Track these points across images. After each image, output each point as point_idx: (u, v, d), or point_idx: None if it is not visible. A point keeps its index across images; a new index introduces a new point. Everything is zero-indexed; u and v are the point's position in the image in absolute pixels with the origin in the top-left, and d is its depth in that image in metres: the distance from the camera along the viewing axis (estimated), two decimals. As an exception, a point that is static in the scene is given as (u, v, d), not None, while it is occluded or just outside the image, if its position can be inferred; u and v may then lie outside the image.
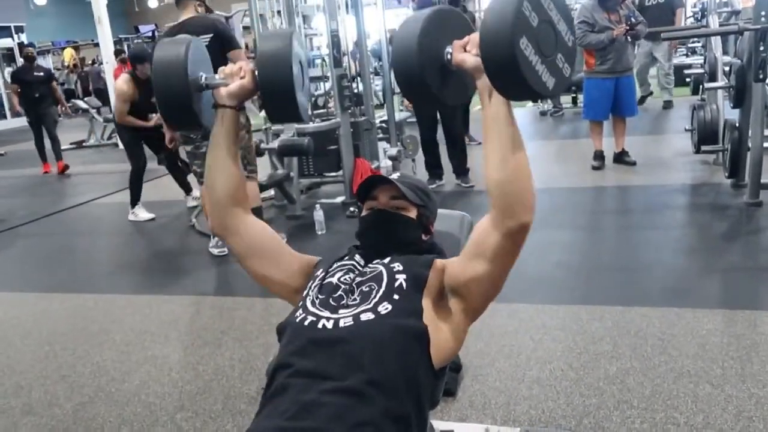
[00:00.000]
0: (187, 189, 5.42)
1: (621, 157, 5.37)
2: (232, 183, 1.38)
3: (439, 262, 1.33)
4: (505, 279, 1.24)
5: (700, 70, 6.02)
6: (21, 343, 3.04)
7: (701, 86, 6.84)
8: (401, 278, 1.27)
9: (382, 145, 5.26)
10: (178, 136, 4.24)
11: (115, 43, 9.65)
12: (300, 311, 1.28)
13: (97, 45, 11.68)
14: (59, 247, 4.89)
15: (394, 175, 1.48)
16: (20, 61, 12.37)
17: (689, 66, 7.86)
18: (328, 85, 5.56)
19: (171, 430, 2.19)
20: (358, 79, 5.26)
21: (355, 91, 4.95)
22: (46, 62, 16.73)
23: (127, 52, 9.45)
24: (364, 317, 1.21)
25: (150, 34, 16.66)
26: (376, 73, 8.17)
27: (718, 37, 4.92)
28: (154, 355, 2.77)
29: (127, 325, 3.13)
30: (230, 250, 1.45)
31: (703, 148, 4.64)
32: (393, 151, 5.02)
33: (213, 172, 1.38)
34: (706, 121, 4.58)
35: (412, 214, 1.43)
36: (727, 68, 4.61)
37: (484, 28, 1.03)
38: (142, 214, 5.16)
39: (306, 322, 1.24)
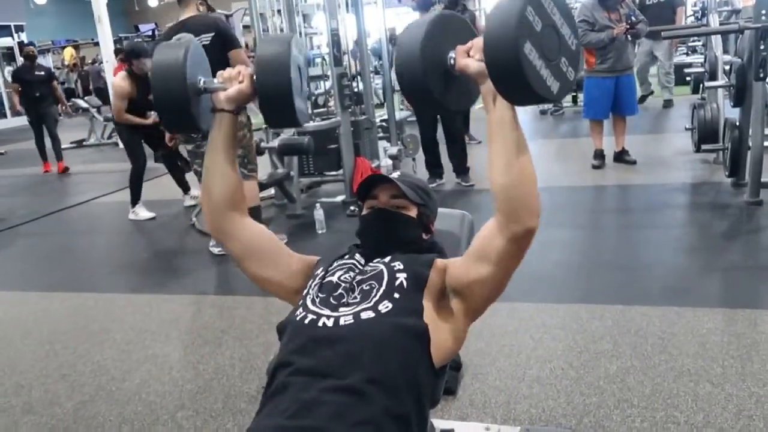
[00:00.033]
0: (185, 188, 5.43)
1: (621, 156, 5.36)
2: (229, 187, 1.38)
3: (440, 261, 1.33)
4: (507, 281, 1.23)
5: (701, 69, 6.02)
6: (21, 342, 3.04)
7: (701, 85, 6.84)
8: (402, 277, 1.27)
9: (383, 144, 5.26)
10: (178, 135, 4.24)
11: (116, 42, 9.65)
12: (300, 310, 1.28)
13: (97, 44, 11.69)
14: (59, 246, 4.89)
15: (395, 174, 1.47)
16: (20, 60, 12.38)
17: (689, 65, 7.87)
18: (328, 83, 5.56)
19: (171, 429, 2.19)
20: (359, 78, 5.26)
21: (356, 90, 4.95)
22: (46, 61, 16.71)
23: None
24: (364, 315, 1.21)
25: (150, 33, 16.66)
26: (377, 72, 8.17)
27: (719, 36, 4.92)
28: (154, 354, 2.77)
29: (128, 324, 3.13)
30: (228, 253, 1.45)
31: (704, 147, 4.64)
32: (393, 150, 5.02)
33: (210, 176, 1.38)
34: (706, 120, 4.58)
35: (413, 213, 1.43)
36: (727, 67, 4.61)
37: (487, 34, 1.03)
38: (142, 213, 5.16)
39: (306, 321, 1.24)
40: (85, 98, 12.02)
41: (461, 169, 5.18)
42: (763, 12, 3.57)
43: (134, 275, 4.01)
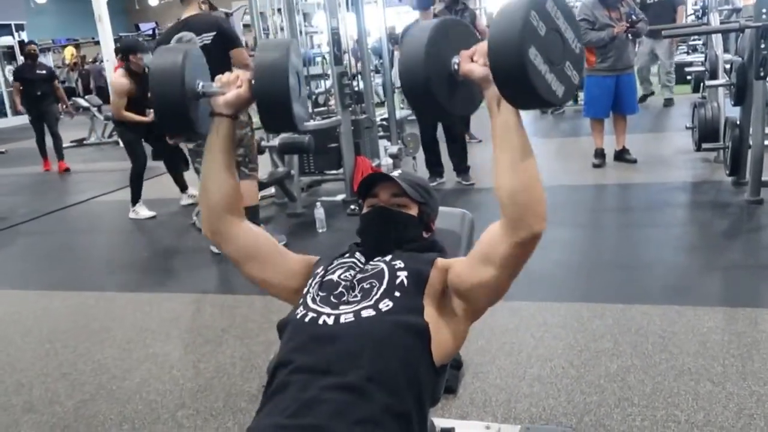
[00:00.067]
0: (183, 186, 5.43)
1: (622, 155, 5.36)
2: (226, 191, 1.37)
3: (441, 261, 1.33)
4: (510, 284, 1.23)
5: (701, 68, 6.01)
6: (22, 341, 3.04)
7: (702, 84, 6.83)
8: (403, 275, 1.27)
9: (383, 143, 5.26)
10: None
11: (116, 41, 9.61)
12: (301, 308, 1.28)
13: (97, 43, 11.67)
14: (60, 245, 4.89)
15: (395, 173, 1.47)
16: (21, 59, 12.37)
17: (690, 64, 7.86)
18: (328, 82, 5.56)
19: (172, 428, 2.19)
20: (359, 76, 5.26)
21: (356, 89, 4.95)
22: (47, 60, 16.69)
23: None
24: (365, 314, 1.21)
25: (150, 32, 16.64)
26: (377, 71, 8.17)
27: (719, 35, 4.91)
28: (155, 353, 2.77)
29: (128, 323, 3.13)
30: (226, 257, 1.44)
31: (704, 145, 4.64)
32: (394, 149, 5.02)
33: (207, 180, 1.38)
34: (707, 119, 4.58)
35: (413, 211, 1.43)
36: (727, 66, 4.61)
37: (492, 39, 1.02)
38: (142, 212, 5.16)
39: (307, 319, 1.24)
40: (86, 97, 12.02)
41: (462, 167, 5.18)
42: (764, 11, 3.57)
43: (135, 274, 4.01)
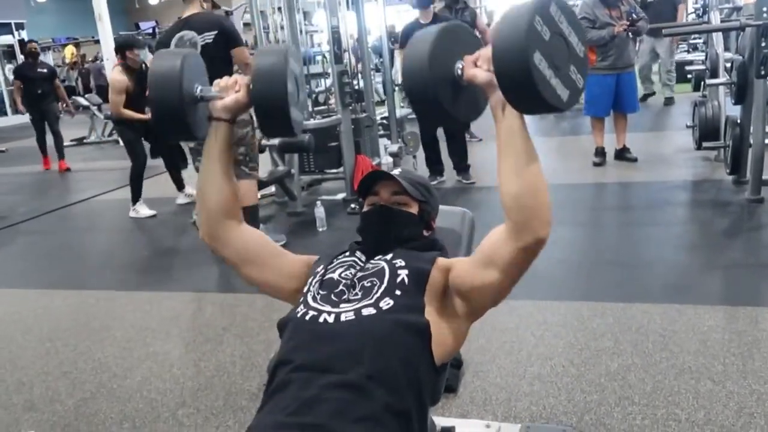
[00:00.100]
0: (180, 185, 5.42)
1: (622, 154, 5.36)
2: (223, 196, 1.37)
3: (442, 260, 1.33)
4: (513, 287, 1.22)
5: (702, 67, 6.01)
6: (22, 340, 3.04)
7: (702, 83, 6.84)
8: (403, 274, 1.27)
9: (383, 142, 5.26)
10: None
11: (116, 40, 9.61)
12: (301, 307, 1.28)
13: (97, 42, 11.67)
14: (60, 244, 4.89)
15: (396, 171, 1.47)
16: (20, 58, 12.34)
17: (691, 62, 7.85)
18: (329, 81, 5.56)
19: (172, 426, 2.19)
20: (359, 75, 5.25)
21: (356, 87, 4.95)
22: (47, 59, 16.68)
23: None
24: (365, 312, 1.21)
25: (150, 30, 16.62)
26: (377, 70, 8.17)
27: (720, 33, 4.91)
28: (155, 352, 2.77)
29: (128, 322, 3.13)
30: (224, 260, 1.43)
31: (705, 144, 4.64)
32: (394, 148, 5.03)
33: (205, 185, 1.38)
34: (707, 118, 4.57)
35: (414, 209, 1.42)
36: (728, 64, 4.60)
37: (496, 45, 1.02)
38: (143, 210, 5.16)
39: (307, 317, 1.24)
40: (86, 96, 12.02)
41: (462, 166, 5.17)
42: (765, 9, 3.56)
43: (135, 273, 4.01)
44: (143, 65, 5.07)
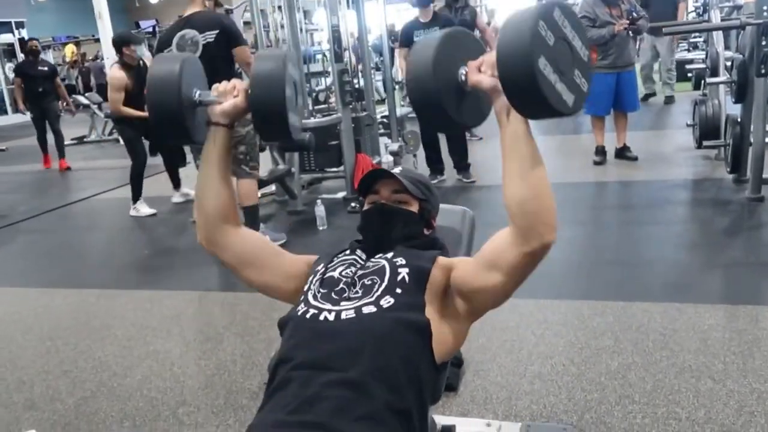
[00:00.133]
0: (177, 183, 5.42)
1: (622, 153, 5.36)
2: (221, 201, 1.37)
3: (443, 259, 1.33)
4: (515, 290, 1.22)
5: (702, 65, 6.00)
6: (23, 339, 3.04)
7: (703, 81, 6.83)
8: (404, 272, 1.27)
9: (384, 141, 5.26)
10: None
11: (112, 37, 9.62)
12: (302, 305, 1.28)
13: (97, 40, 11.68)
14: (60, 243, 4.89)
15: (396, 170, 1.47)
16: (21, 57, 12.32)
17: (691, 61, 7.85)
18: (329, 80, 5.55)
19: (173, 425, 2.19)
20: (360, 74, 5.25)
21: (357, 86, 4.95)
22: (47, 58, 16.69)
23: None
24: (366, 310, 1.21)
25: (151, 29, 16.62)
26: (377, 68, 8.16)
27: (720, 32, 4.91)
28: (155, 350, 2.77)
29: (129, 321, 3.13)
30: (223, 264, 1.43)
31: (705, 143, 4.64)
32: (394, 147, 5.03)
33: (203, 190, 1.38)
34: (707, 117, 4.57)
35: (414, 208, 1.42)
36: (728, 63, 4.60)
37: (501, 51, 1.02)
38: (143, 209, 5.16)
39: (308, 315, 1.24)
40: (86, 95, 12.02)
41: (462, 165, 5.17)
42: (765, 8, 3.56)
43: (135, 271, 4.02)
44: (140, 62, 5.07)
